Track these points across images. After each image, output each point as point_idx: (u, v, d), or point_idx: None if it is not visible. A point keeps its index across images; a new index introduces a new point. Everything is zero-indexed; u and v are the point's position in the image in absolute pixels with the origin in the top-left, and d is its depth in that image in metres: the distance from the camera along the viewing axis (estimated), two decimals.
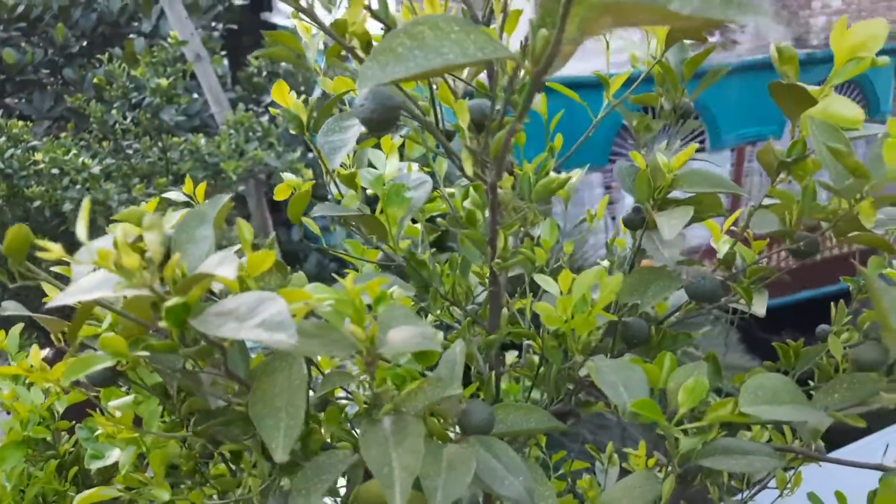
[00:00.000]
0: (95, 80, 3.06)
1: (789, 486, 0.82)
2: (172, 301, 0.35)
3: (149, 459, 0.64)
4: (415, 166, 0.74)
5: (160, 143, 2.94)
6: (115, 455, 0.69)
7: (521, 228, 0.67)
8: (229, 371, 0.49)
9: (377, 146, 0.75)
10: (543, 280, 0.50)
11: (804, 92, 0.49)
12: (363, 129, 0.56)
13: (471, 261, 0.63)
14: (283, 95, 0.59)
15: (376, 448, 0.39)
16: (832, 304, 0.72)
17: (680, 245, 0.61)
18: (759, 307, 0.69)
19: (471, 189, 0.59)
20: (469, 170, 0.44)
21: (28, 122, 3.40)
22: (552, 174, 0.71)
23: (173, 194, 0.70)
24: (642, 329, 0.60)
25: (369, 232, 0.59)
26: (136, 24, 5.73)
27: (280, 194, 0.63)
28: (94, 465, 0.70)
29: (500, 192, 0.52)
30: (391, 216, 0.59)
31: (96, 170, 2.62)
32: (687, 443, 0.71)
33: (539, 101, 0.68)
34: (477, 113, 0.49)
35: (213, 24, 5.81)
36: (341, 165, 0.72)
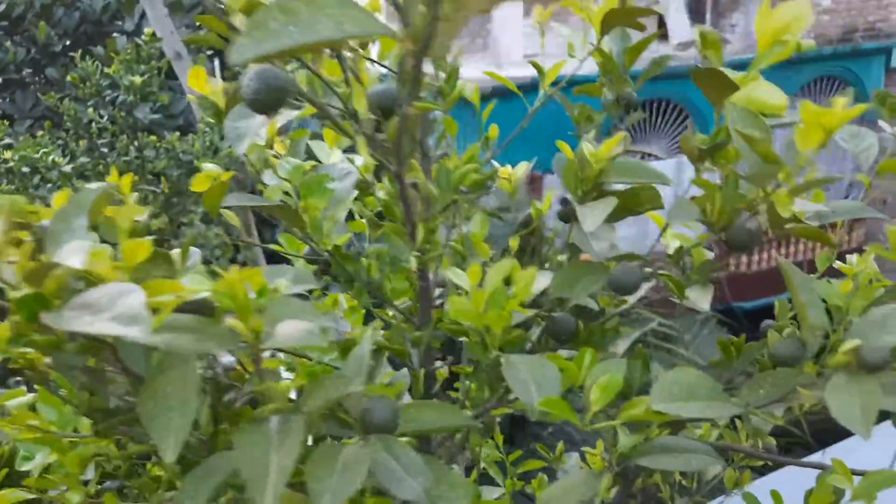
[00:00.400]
0: (69, 78, 3.04)
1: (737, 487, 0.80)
2: (20, 293, 0.33)
3: (64, 460, 0.62)
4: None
5: (136, 142, 2.91)
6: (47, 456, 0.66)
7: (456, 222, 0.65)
8: (126, 367, 0.47)
9: (317, 137, 0.73)
10: (454, 273, 0.48)
11: (726, 78, 0.47)
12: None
13: (397, 255, 0.61)
14: (199, 81, 0.57)
15: (255, 448, 0.37)
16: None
17: (610, 237, 0.59)
18: (702, 302, 0.67)
19: (385, 180, 0.57)
20: (365, 157, 0.42)
21: (5, 121, 3.36)
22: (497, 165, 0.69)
23: (94, 186, 0.67)
24: (569, 324, 0.58)
25: (290, 224, 0.57)
26: (118, 22, 5.68)
27: (198, 185, 0.60)
28: (25, 467, 0.68)
29: (418, 183, 0.50)
30: (311, 207, 0.57)
31: (68, 168, 2.58)
32: (626, 441, 0.69)
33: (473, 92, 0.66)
34: (384, 99, 0.47)
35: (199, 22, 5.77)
36: (274, 155, 0.69)
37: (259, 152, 0.63)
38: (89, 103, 2.98)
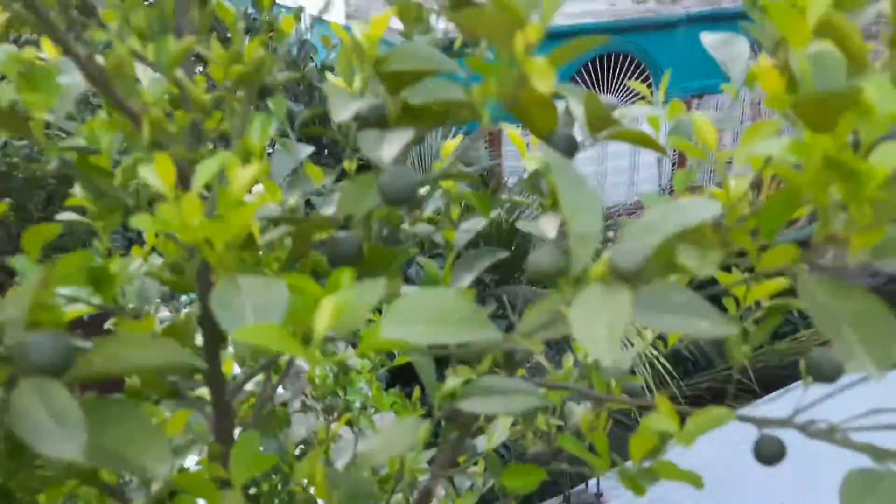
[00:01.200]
0: None
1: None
2: None
3: None
4: None
5: None
6: None
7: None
8: None
9: None
10: (144, 169, 0.38)
11: None
12: None
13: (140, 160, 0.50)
14: None
15: None
16: None
17: (403, 141, 0.49)
18: (549, 229, 0.59)
19: None
20: None
21: None
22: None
23: None
24: (351, 245, 0.49)
25: (12, 131, 0.46)
26: None
27: None
28: None
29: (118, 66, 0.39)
30: (33, 104, 0.46)
31: None
32: (450, 382, 0.61)
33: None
34: None
35: None
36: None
37: None
38: None
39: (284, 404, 1.15)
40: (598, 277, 0.33)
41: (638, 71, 8.19)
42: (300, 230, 0.53)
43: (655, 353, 5.85)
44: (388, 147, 0.49)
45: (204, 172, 0.37)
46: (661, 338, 0.89)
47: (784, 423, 0.53)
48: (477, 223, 0.73)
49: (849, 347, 0.35)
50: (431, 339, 0.35)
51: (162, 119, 0.48)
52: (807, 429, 0.50)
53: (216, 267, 0.40)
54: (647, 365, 5.77)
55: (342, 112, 0.42)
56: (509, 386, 0.58)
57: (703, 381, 6.43)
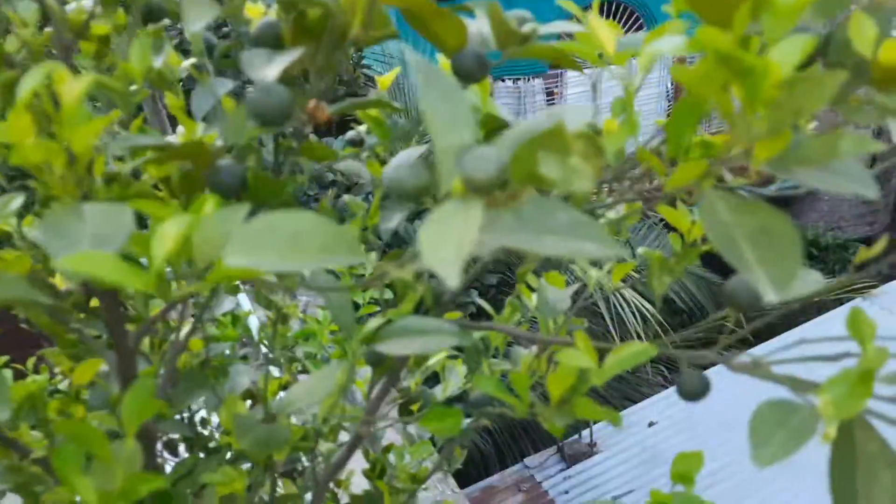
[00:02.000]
0: None
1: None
2: None
3: None
4: None
5: None
6: None
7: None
8: None
9: None
10: None
11: None
12: None
13: None
14: None
15: None
16: None
17: (290, 59, 0.45)
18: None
19: None
20: None
21: None
22: None
23: None
24: (231, 174, 0.45)
25: None
26: None
27: None
28: None
29: None
30: None
31: None
32: (369, 324, 0.58)
33: None
34: None
35: None
36: None
37: None
38: None
39: (245, 357, 1.13)
40: (458, 194, 0.29)
41: (631, 19, 8.03)
42: (194, 160, 0.49)
43: (648, 305, 5.83)
44: (274, 67, 0.44)
45: (27, 83, 0.33)
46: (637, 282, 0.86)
47: (708, 357, 0.50)
48: (409, 155, 0.69)
49: (747, 268, 0.32)
50: (285, 266, 0.32)
51: (29, 39, 0.44)
52: (730, 363, 0.47)
53: (58, 194, 0.36)
54: (638, 317, 5.76)
55: (195, 21, 0.38)
56: (429, 326, 0.55)
57: (696, 332, 6.42)
